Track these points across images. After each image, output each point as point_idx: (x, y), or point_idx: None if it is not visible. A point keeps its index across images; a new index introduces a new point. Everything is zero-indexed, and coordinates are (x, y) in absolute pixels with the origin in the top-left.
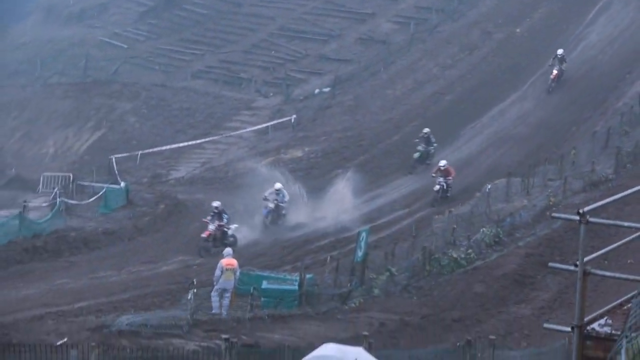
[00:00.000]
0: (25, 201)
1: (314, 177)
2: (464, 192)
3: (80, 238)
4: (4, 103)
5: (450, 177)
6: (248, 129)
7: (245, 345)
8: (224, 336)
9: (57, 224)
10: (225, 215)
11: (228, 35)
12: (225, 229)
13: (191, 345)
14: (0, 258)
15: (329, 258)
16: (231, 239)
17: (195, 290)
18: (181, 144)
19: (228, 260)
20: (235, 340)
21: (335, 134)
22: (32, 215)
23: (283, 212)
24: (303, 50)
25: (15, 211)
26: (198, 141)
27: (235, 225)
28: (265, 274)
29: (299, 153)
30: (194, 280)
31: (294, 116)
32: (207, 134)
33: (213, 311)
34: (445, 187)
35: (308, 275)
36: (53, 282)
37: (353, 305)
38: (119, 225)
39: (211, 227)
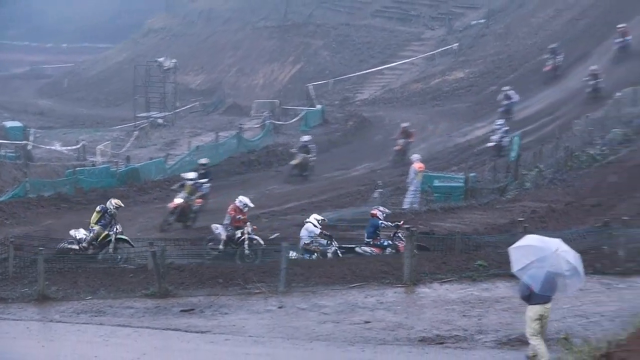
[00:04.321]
0: (241, 124)
1: (475, 93)
2: (599, 98)
3: (286, 152)
4: (221, 45)
5: None
6: (418, 57)
7: (422, 232)
8: (405, 226)
9: (267, 141)
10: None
11: None
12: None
13: None
14: (222, 170)
15: (488, 159)
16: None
17: (381, 190)
18: (364, 72)
19: (419, 164)
20: (414, 229)
21: (490, 57)
22: (247, 134)
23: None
24: None
25: (233, 132)
26: (378, 68)
27: None
28: (436, 174)
29: (460, 74)
30: (379, 181)
31: (456, 44)
32: (385, 62)
33: (406, 206)
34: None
35: (472, 174)
36: (265, 188)
37: (509, 196)
38: (317, 140)
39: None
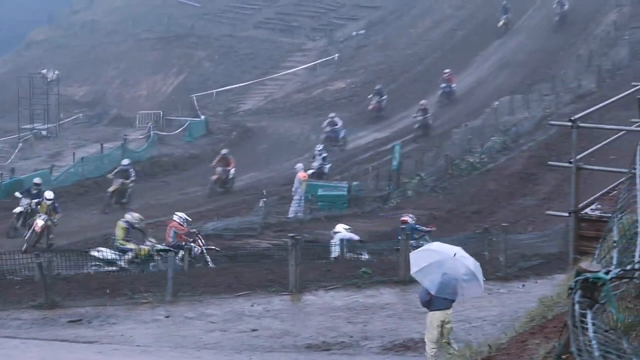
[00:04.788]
0: (125, 135)
1: (355, 104)
2: (476, 109)
3: (170, 162)
4: (104, 57)
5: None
6: (300, 67)
7: (307, 241)
8: (290, 235)
9: (152, 151)
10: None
11: None
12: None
13: (264, 243)
14: (108, 181)
15: (370, 168)
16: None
17: (265, 199)
18: (248, 82)
19: (303, 173)
20: (299, 237)
21: (370, 67)
22: (131, 145)
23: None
24: (341, 0)
25: (118, 143)
26: (261, 79)
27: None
28: (320, 183)
29: (342, 84)
30: (264, 191)
31: (337, 55)
32: (268, 73)
33: (290, 215)
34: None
35: (354, 183)
36: (151, 199)
37: (391, 204)
38: (201, 150)
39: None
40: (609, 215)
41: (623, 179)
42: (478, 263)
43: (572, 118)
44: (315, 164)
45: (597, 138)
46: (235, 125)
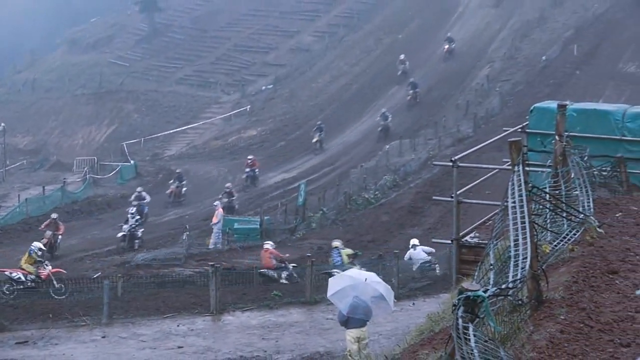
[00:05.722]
0: (64, 178)
1: (266, 148)
2: (370, 152)
3: (105, 202)
4: (45, 110)
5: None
6: (217, 117)
7: (225, 268)
8: (210, 263)
9: (88, 192)
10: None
11: (199, 52)
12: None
13: (187, 271)
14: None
15: (279, 204)
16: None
17: (188, 233)
18: (171, 131)
19: (220, 209)
20: (218, 265)
21: (278, 117)
22: (70, 187)
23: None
24: (251, 59)
25: (58, 186)
26: (183, 128)
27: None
28: (236, 217)
29: (254, 132)
30: (187, 225)
31: (249, 107)
32: (189, 122)
33: (211, 246)
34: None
35: (266, 217)
36: (88, 234)
37: (298, 235)
38: (131, 190)
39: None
40: (486, 242)
41: (497, 210)
42: (389, 287)
43: (453, 159)
44: (126, 227)
45: (474, 176)
46: (161, 169)
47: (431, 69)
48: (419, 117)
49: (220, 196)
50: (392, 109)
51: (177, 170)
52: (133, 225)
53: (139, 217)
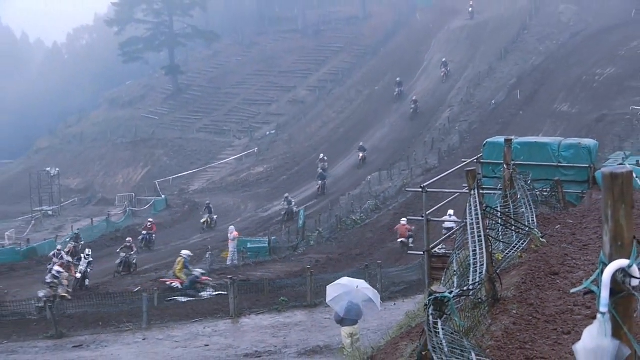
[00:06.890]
0: (108, 211)
1: (271, 182)
2: (356, 182)
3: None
4: (91, 158)
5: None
6: (231, 158)
7: (241, 280)
8: (229, 276)
9: (128, 222)
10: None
11: (214, 106)
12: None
13: (212, 283)
14: (97, 245)
15: (283, 227)
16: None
17: (210, 252)
18: (194, 170)
19: (235, 232)
20: (235, 278)
21: (280, 156)
22: (113, 219)
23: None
24: (257, 110)
25: (103, 217)
26: (203, 167)
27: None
28: (249, 238)
29: (261, 169)
30: (209, 246)
31: (256, 149)
32: (208, 163)
33: (228, 262)
34: None
35: (273, 237)
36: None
37: (300, 252)
38: (163, 219)
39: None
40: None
41: (459, 227)
42: (376, 291)
43: (422, 185)
44: (82, 267)
45: (440, 199)
46: (187, 201)
47: (403, 113)
48: (394, 152)
49: (118, 251)
50: (371, 147)
51: (207, 202)
52: (130, 254)
53: (91, 259)
